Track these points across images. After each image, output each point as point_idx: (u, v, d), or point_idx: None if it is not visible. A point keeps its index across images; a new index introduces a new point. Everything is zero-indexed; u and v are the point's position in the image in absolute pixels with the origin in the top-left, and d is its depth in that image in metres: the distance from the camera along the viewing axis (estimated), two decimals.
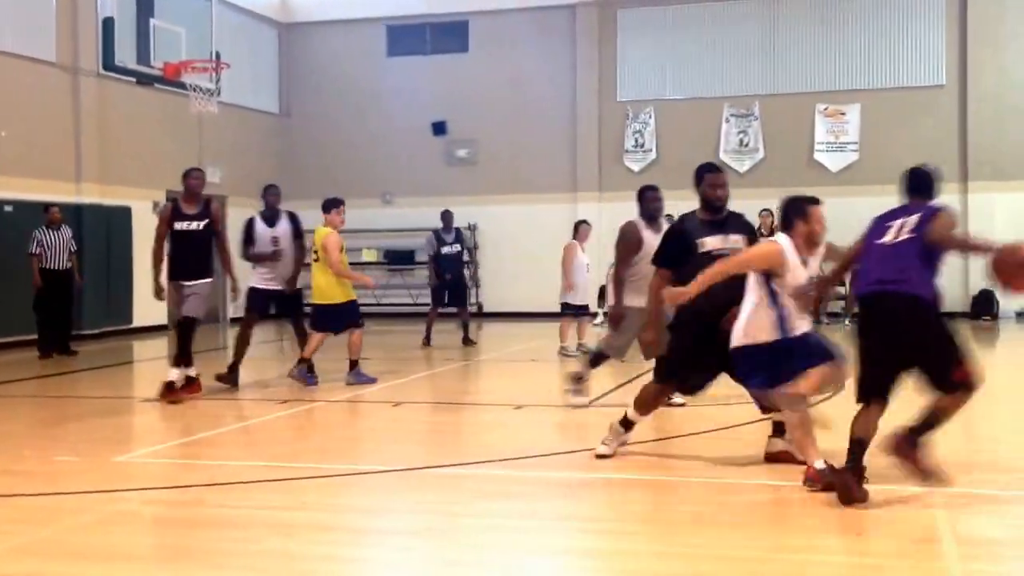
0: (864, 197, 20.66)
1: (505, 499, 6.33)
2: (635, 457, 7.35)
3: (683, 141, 22.13)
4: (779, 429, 6.92)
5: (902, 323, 5.98)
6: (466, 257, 23.05)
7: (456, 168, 23.50)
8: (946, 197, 22.36)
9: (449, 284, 16.24)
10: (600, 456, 7.15)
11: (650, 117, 22.52)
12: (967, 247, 6.83)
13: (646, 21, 22.75)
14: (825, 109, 21.68)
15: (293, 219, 11.59)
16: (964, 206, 20.64)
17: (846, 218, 18.46)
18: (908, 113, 21.19)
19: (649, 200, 9.39)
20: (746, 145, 22.00)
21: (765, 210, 17.20)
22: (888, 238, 6.28)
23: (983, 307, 20.23)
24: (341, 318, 11.30)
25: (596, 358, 9.83)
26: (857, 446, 5.91)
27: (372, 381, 11.40)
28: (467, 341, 16.34)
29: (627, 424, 7.23)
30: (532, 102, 23.23)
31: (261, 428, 9.22)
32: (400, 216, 23.35)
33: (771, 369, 6.25)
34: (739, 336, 6.33)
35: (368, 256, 23.09)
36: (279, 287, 11.38)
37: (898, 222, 6.33)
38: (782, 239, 6.33)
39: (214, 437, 8.70)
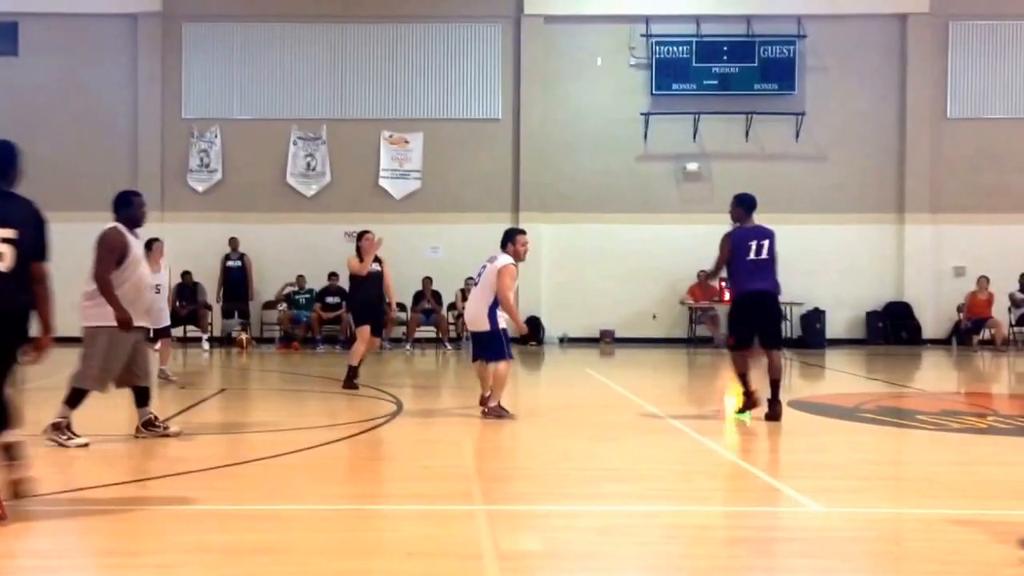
0: (425, 224, 21.54)
1: (42, 536, 5.88)
2: (189, 487, 7.10)
3: (250, 162, 21.90)
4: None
5: (769, 310, 10.52)
6: None
7: None
8: (498, 227, 23.59)
9: None
10: None
11: (216, 136, 22.05)
12: None
13: (213, 36, 22.28)
14: (390, 136, 22.24)
15: None
16: None
17: (411, 242, 19.03)
18: (467, 144, 22.27)
19: (136, 206, 9.15)
20: (313, 169, 22.09)
21: None
22: (752, 256, 10.24)
23: (530, 333, 21.59)
24: None
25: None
26: (744, 377, 10.45)
27: None
28: None
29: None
30: (89, 114, 22.02)
31: None
32: None
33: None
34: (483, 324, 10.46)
35: None
36: None
37: (755, 243, 10.28)
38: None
39: None
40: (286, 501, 6.69)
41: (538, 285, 21.99)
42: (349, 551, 5.65)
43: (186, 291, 20.87)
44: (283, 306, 21.12)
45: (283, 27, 22.36)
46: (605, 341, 21.87)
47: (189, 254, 21.19)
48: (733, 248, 10.36)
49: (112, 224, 8.86)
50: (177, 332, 20.64)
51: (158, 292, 13.81)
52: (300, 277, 21.20)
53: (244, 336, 20.43)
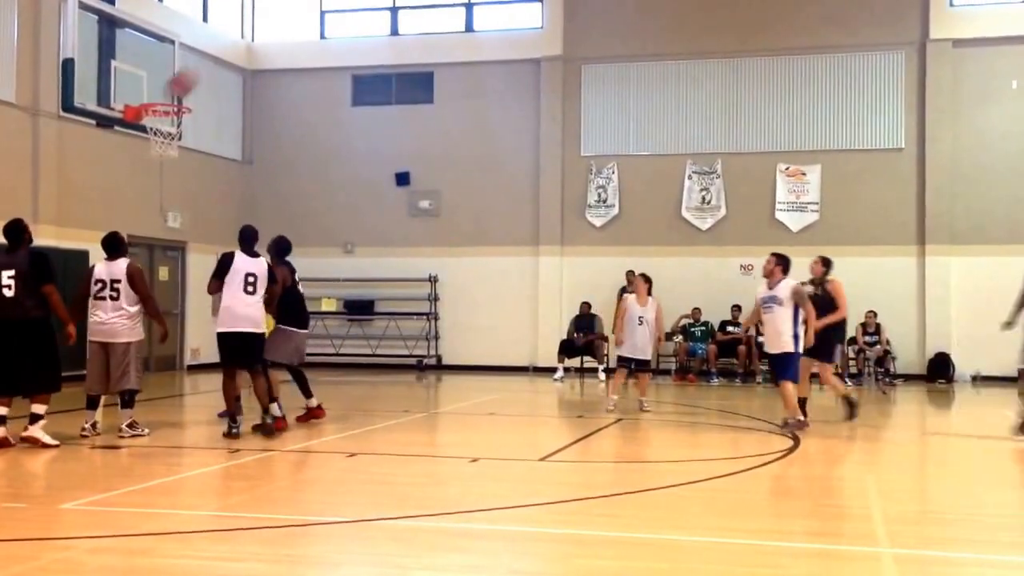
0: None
1: (456, 552, 6.21)
2: (589, 513, 7.28)
3: (646, 197, 22.24)
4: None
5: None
6: (425, 309, 23.08)
7: (418, 219, 23.46)
8: (903, 259, 22.31)
9: None
10: None
11: (613, 172, 22.60)
12: None
13: (610, 77, 22.88)
14: (786, 169, 21.82)
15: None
16: (921, 268, 20.84)
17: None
18: (867, 175, 21.38)
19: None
20: (708, 202, 22.10)
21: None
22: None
23: (939, 371, 20.30)
24: None
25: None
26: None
27: None
28: None
29: None
30: (496, 154, 23.27)
31: (212, 477, 9.06)
32: (360, 266, 23.29)
33: None
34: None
35: (327, 305, 22.93)
36: None
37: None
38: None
39: (164, 485, 8.52)
40: (680, 531, 6.71)
41: (948, 320, 20.65)
42: None
43: (584, 322, 21.51)
44: (679, 338, 21.24)
45: (678, 64, 22.56)
46: None
47: (587, 286, 21.88)
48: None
49: (129, 259, 11.31)
50: (574, 363, 21.40)
51: (641, 324, 14.40)
52: (696, 310, 21.25)
53: None
